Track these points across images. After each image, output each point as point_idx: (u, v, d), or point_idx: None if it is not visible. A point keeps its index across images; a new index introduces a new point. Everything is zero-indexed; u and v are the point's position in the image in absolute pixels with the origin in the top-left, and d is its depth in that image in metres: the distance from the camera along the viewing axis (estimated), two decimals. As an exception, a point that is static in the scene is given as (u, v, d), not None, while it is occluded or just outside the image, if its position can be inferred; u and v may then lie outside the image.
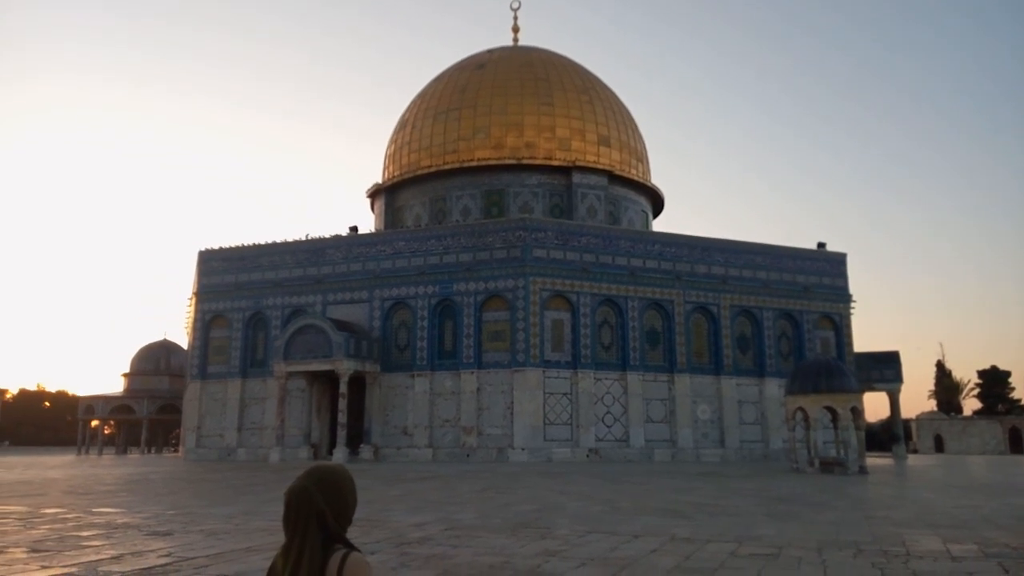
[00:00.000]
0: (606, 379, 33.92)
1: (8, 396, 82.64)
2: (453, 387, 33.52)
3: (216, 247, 39.89)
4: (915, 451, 59.84)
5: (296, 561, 2.34)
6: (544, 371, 32.80)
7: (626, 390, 34.06)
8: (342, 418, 32.51)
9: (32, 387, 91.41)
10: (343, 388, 32.66)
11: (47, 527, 11.14)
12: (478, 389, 33.05)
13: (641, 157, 47.06)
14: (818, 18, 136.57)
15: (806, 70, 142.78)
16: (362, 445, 33.72)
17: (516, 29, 51.57)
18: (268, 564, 2.55)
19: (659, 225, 49.24)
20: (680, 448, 34.28)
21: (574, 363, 33.44)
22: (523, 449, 31.60)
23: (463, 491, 17.58)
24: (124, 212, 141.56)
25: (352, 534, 2.52)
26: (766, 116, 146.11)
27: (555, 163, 42.64)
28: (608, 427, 33.46)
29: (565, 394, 33.01)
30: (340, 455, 31.55)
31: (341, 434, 32.41)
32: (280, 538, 2.52)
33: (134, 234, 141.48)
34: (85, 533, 10.46)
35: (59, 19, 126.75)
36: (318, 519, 2.36)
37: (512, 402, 32.35)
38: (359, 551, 2.41)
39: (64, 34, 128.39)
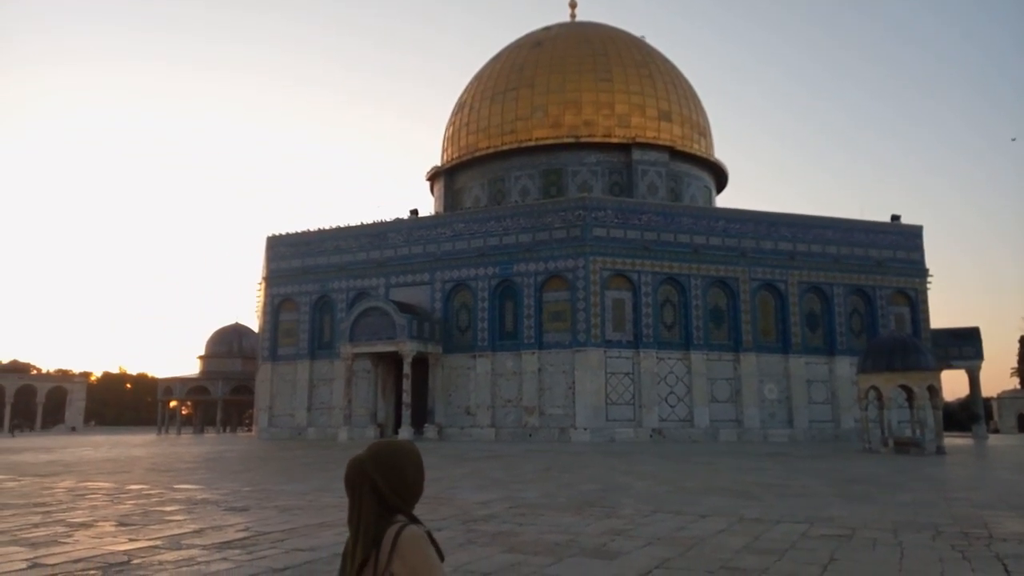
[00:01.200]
0: (669, 358, 33.51)
1: (93, 379, 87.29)
2: (514, 367, 33.68)
3: (283, 233, 40.92)
4: (996, 431, 57.31)
5: (354, 530, 2.39)
6: (605, 351, 32.60)
7: (690, 369, 33.58)
8: (406, 398, 33.11)
9: (115, 370, 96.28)
10: (407, 369, 33.22)
11: (133, 502, 11.71)
12: (539, 369, 33.12)
13: (704, 131, 45.97)
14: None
15: (876, 34, 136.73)
16: (426, 424, 34.29)
17: (573, 5, 50.92)
18: (340, 539, 2.61)
19: (723, 201, 48.13)
20: (746, 428, 33.67)
21: (636, 342, 33.13)
22: (585, 429, 31.58)
23: (526, 470, 17.69)
24: (198, 202, 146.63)
25: (420, 511, 2.54)
26: (835, 86, 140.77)
27: (614, 140, 42.05)
28: (672, 407, 33.10)
29: (627, 374, 32.77)
30: (405, 434, 32.16)
31: (406, 414, 33.03)
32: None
33: (208, 222, 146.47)
34: (168, 508, 10.96)
35: (144, 9, 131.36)
36: (373, 490, 2.38)
37: (573, 382, 32.31)
38: (420, 525, 2.42)
39: (149, 24, 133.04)
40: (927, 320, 37.73)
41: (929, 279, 38.23)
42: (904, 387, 26.43)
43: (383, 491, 2.38)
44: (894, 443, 25.75)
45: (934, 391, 25.68)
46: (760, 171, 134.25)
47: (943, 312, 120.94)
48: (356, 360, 35.32)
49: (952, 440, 34.55)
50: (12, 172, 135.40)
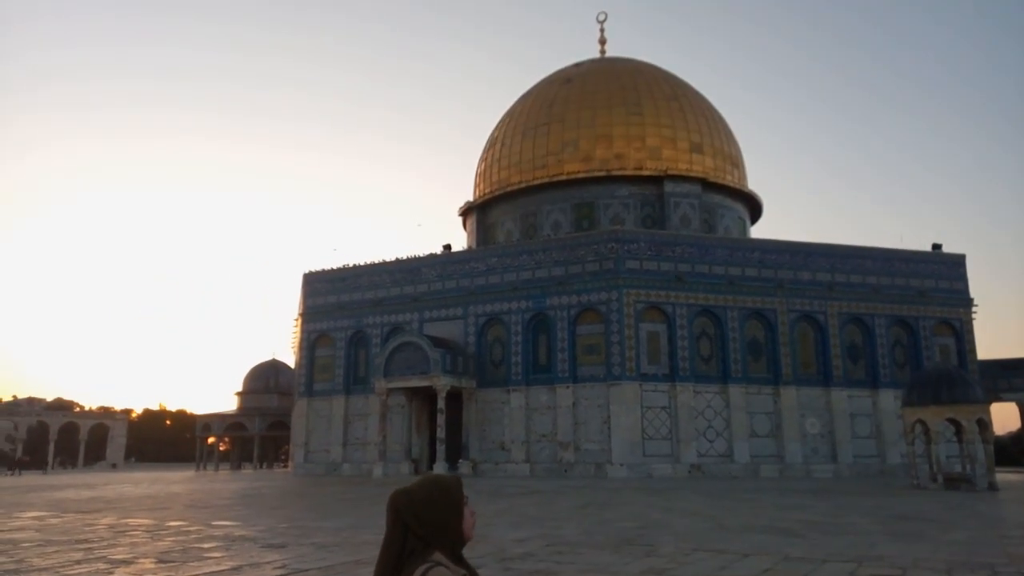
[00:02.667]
0: (706, 392, 32.97)
1: (133, 416, 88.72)
2: (549, 402, 33.42)
3: (319, 269, 41.51)
4: (1052, 466, 55.01)
5: (378, 561, 2.36)
6: (641, 384, 32.21)
7: (728, 403, 32.97)
8: (440, 433, 32.99)
9: (155, 407, 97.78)
10: (441, 404, 33.17)
11: (172, 539, 11.79)
12: (574, 403, 32.81)
13: (736, 162, 45.80)
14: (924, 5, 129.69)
15: (914, 61, 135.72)
16: (460, 460, 34.07)
17: (603, 41, 51.46)
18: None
19: (758, 232, 47.70)
20: (788, 464, 32.84)
21: (672, 376, 32.69)
22: (622, 465, 31.09)
23: (563, 507, 17.44)
24: (237, 241, 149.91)
25: (455, 549, 2.49)
26: (872, 114, 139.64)
27: (646, 173, 42.05)
28: (710, 442, 32.46)
29: (664, 408, 32.29)
30: (439, 470, 31.96)
31: (440, 449, 32.89)
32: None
33: (246, 260, 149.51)
34: (206, 545, 11.00)
35: (188, 53, 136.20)
36: (399, 524, 2.35)
37: (609, 416, 31.91)
38: (459, 567, 2.35)
39: (198, 64, 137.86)
40: (973, 351, 36.65)
41: (974, 309, 37.24)
42: (952, 421, 25.60)
43: (412, 526, 2.34)
44: (943, 479, 24.88)
45: (984, 424, 24.82)
46: (795, 201, 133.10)
47: (990, 343, 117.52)
48: (390, 395, 35.39)
49: (1004, 476, 33.27)
50: (56, 209, 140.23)
